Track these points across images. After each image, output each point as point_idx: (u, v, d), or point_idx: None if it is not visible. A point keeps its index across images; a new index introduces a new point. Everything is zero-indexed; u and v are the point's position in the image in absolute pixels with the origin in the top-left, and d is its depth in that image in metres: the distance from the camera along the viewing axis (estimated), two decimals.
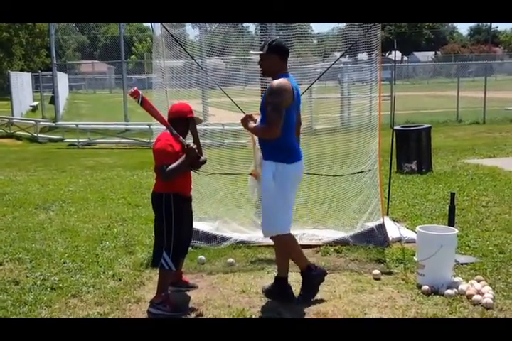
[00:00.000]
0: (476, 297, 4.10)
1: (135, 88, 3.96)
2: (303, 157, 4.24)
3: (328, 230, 5.80)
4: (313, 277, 4.30)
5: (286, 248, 4.31)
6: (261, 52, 4.12)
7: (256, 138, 4.46)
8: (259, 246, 5.36)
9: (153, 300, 4.11)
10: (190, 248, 5.28)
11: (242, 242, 5.46)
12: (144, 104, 3.98)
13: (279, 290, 4.28)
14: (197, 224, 5.61)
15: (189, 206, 4.29)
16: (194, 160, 4.05)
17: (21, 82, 24.54)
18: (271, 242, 5.24)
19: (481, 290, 4.18)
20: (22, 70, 35.50)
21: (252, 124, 4.15)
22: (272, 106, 3.90)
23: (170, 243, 4.05)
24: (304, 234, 5.53)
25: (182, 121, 4.09)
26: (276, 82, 3.97)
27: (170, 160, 3.92)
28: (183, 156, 3.95)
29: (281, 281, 4.31)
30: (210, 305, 4.17)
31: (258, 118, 4.27)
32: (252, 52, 5.22)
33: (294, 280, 4.38)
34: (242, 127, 4.28)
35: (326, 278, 4.65)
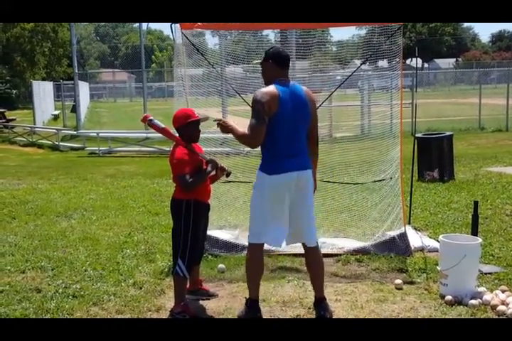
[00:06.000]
0: (501, 307, 4.03)
1: (145, 114, 4.34)
2: (304, 170, 3.86)
3: (349, 239, 5.75)
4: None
5: (247, 261, 4.07)
6: (260, 60, 4.04)
7: None
8: (279, 254, 5.33)
9: (173, 309, 4.11)
10: (210, 256, 5.32)
11: None
12: (153, 127, 4.22)
13: (247, 313, 3.98)
14: (217, 233, 5.61)
15: (207, 214, 4.31)
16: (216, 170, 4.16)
17: (43, 91, 24.89)
18: (291, 251, 5.25)
19: (506, 301, 4.11)
20: (44, 79, 36.01)
21: (235, 128, 3.90)
22: (252, 113, 3.78)
23: (186, 250, 4.06)
24: (325, 243, 5.47)
25: (186, 127, 4.11)
26: (259, 90, 3.84)
27: (189, 169, 3.97)
28: (207, 167, 4.06)
29: (250, 303, 4.00)
30: (230, 313, 4.15)
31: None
32: (254, 62, 5.22)
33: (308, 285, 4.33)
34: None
35: (347, 287, 4.62)
